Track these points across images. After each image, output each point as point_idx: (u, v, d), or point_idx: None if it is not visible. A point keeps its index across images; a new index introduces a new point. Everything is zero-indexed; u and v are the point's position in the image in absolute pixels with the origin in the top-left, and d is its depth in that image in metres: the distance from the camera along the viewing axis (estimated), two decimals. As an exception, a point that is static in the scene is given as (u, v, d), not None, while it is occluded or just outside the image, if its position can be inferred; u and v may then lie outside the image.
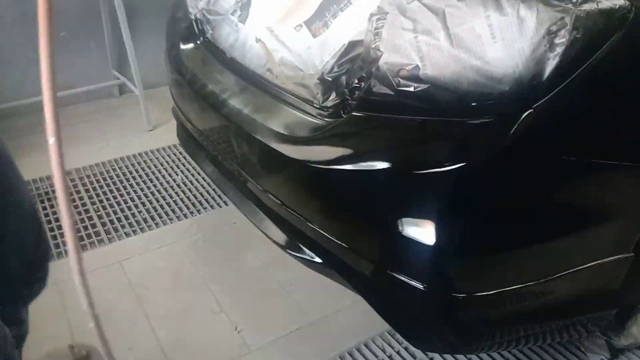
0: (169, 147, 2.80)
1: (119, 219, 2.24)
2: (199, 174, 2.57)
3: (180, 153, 2.75)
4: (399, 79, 1.01)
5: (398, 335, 1.69)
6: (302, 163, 1.24)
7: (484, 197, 1.02)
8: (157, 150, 2.77)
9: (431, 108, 1.01)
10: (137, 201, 2.36)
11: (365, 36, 1.14)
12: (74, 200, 2.35)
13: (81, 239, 2.11)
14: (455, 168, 0.97)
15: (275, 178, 1.41)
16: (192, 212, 2.29)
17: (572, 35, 0.89)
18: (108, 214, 2.27)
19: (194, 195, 2.40)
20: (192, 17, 1.86)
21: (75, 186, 2.45)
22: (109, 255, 2.02)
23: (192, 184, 2.50)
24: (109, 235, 2.14)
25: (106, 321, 1.71)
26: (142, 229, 2.18)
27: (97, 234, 2.15)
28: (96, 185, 2.46)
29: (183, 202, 2.36)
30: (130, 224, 2.21)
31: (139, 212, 2.29)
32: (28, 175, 2.42)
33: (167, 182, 2.50)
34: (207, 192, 2.43)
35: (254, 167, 1.48)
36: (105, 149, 2.79)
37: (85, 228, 2.18)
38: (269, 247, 2.05)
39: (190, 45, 1.84)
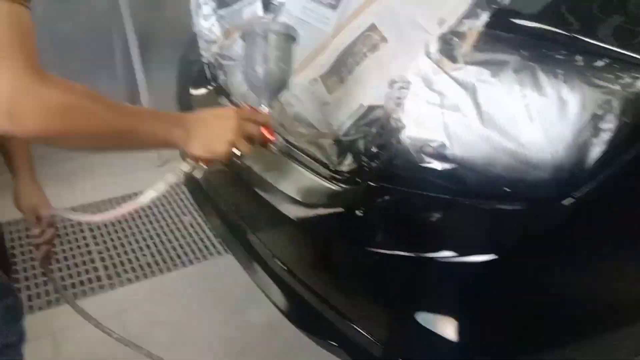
0: (178, 186, 2.72)
1: (121, 263, 2.15)
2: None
3: (187, 192, 2.67)
4: (423, 155, 0.92)
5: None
6: (312, 232, 1.15)
7: (515, 292, 0.91)
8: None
9: (458, 188, 0.91)
10: (141, 243, 2.27)
11: (385, 103, 1.05)
12: (76, 240, 2.27)
13: (81, 283, 2.03)
14: (484, 259, 0.87)
15: (283, 243, 1.31)
16: (197, 258, 2.20)
17: (620, 121, 0.80)
18: (111, 256, 2.18)
19: (201, 239, 2.31)
20: (205, 60, 1.79)
21: (79, 224, 2.37)
22: (109, 304, 1.93)
23: (199, 226, 2.41)
24: (110, 281, 2.05)
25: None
26: (145, 275, 2.09)
27: (98, 278, 2.06)
28: (101, 224, 2.38)
29: (189, 246, 2.27)
30: (133, 269, 2.12)
31: (143, 255, 2.20)
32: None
33: (175, 224, 2.42)
34: (215, 236, 2.34)
35: (262, 228, 1.39)
36: (113, 184, 2.73)
37: (87, 272, 2.09)
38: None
39: (202, 91, 1.77)
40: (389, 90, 1.08)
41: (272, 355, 1.74)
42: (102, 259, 2.16)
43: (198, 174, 0.95)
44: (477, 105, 0.86)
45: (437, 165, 0.90)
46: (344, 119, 1.26)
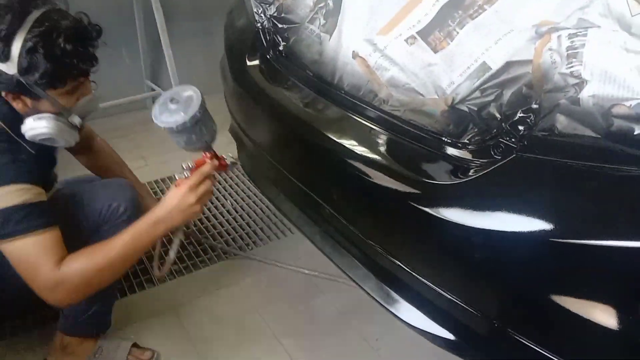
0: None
1: (165, 253, 1.97)
2: (249, 198, 2.31)
3: (226, 174, 2.49)
4: (612, 118, 0.74)
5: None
6: (440, 219, 0.96)
7: None
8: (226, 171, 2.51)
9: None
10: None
11: (536, 57, 0.87)
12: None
13: (125, 278, 1.85)
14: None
15: (392, 231, 1.13)
16: (247, 245, 2.03)
17: None
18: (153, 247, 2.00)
19: (247, 224, 2.14)
20: (259, 26, 1.59)
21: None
22: (161, 300, 1.76)
23: (243, 209, 2.23)
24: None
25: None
26: (194, 266, 1.92)
27: (144, 272, 1.89)
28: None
29: (236, 231, 2.10)
30: (179, 259, 1.95)
31: (188, 243, 2.03)
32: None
33: (216, 208, 2.24)
34: (262, 219, 2.16)
35: (357, 214, 1.21)
36: (144, 168, 2.55)
37: (130, 265, 1.91)
38: (341, 293, 1.78)
39: (259, 60, 1.57)
40: (535, 40, 0.89)
41: (350, 349, 1.58)
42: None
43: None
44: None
45: (635, 129, 0.72)
46: (458, 80, 1.08)
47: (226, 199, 2.30)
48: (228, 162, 1.33)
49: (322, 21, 1.43)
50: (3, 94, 1.18)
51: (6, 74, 1.12)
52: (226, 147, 2.51)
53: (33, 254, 1.12)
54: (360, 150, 1.18)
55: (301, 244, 1.91)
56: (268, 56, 1.55)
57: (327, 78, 1.35)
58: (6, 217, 1.11)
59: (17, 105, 1.20)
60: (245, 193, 2.34)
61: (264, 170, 1.61)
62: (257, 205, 2.25)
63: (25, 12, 1.12)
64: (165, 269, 1.44)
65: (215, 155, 1.29)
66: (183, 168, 1.26)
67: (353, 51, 1.27)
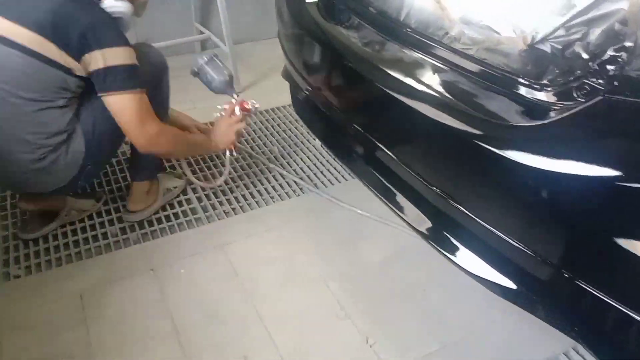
0: (261, 113, 2.53)
1: (215, 195, 2.00)
2: (296, 145, 2.30)
3: (273, 120, 2.48)
4: None
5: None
6: (513, 162, 0.92)
7: None
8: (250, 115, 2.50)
9: None
10: (233, 174, 2.10)
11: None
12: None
13: (176, 216, 1.89)
14: None
15: (461, 175, 1.10)
16: (295, 191, 2.02)
17: None
18: (203, 188, 2.02)
19: (295, 171, 2.13)
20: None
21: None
22: (209, 237, 1.79)
23: (290, 157, 2.23)
24: (206, 214, 1.90)
25: (214, 320, 1.49)
26: (242, 208, 1.93)
27: (193, 211, 1.92)
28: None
29: (284, 178, 2.09)
30: (229, 201, 1.97)
31: (237, 187, 2.04)
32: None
33: (264, 154, 2.23)
34: (309, 167, 2.15)
35: (419, 157, 1.17)
36: (192, 112, 2.52)
37: (180, 204, 1.95)
38: (387, 238, 1.78)
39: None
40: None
41: (397, 296, 1.57)
42: (194, 190, 2.01)
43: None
44: None
45: None
46: (542, 19, 1.01)
47: (273, 145, 2.29)
48: (250, 106, 1.75)
49: (390, -45, 1.37)
50: None
51: None
52: (271, 94, 2.51)
53: (142, 107, 1.40)
54: (427, 90, 1.14)
55: (354, 191, 1.91)
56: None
57: (393, 15, 1.29)
58: (125, 73, 1.34)
59: None
60: (297, 139, 2.33)
61: (319, 111, 1.59)
62: (304, 153, 2.24)
63: None
64: (222, 179, 1.93)
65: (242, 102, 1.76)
66: (219, 108, 1.79)
67: (423, -13, 1.21)
